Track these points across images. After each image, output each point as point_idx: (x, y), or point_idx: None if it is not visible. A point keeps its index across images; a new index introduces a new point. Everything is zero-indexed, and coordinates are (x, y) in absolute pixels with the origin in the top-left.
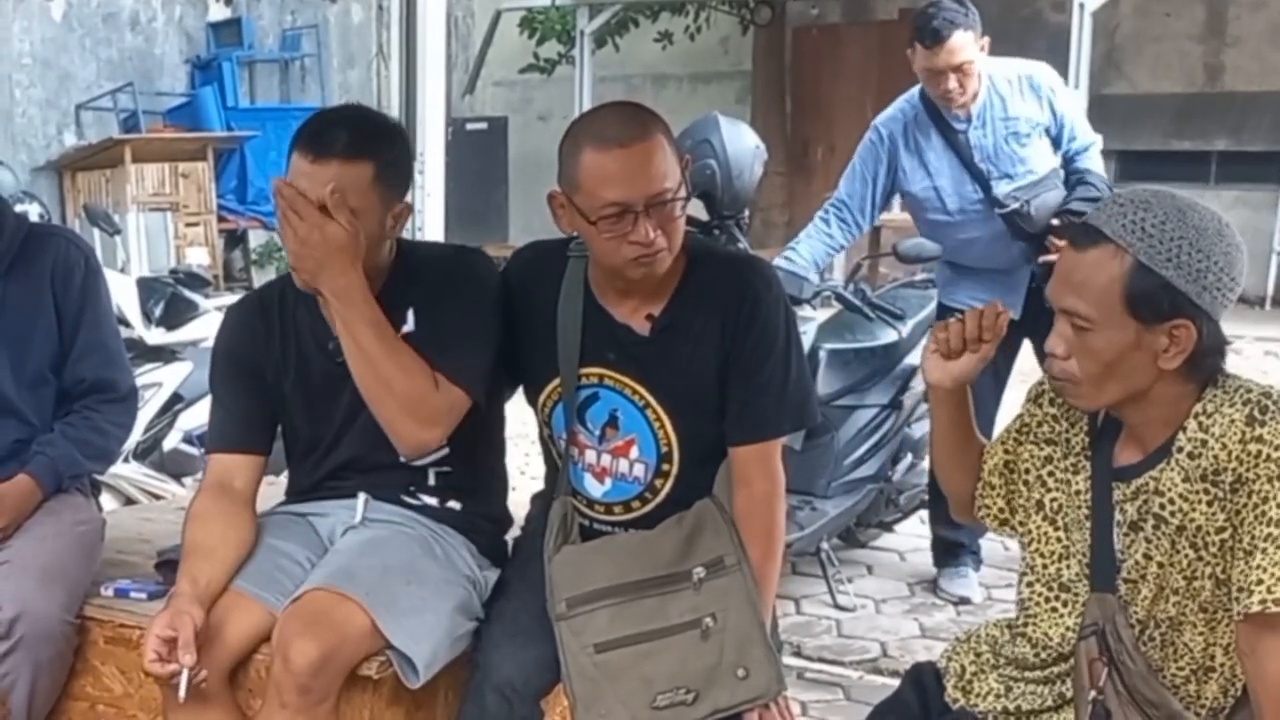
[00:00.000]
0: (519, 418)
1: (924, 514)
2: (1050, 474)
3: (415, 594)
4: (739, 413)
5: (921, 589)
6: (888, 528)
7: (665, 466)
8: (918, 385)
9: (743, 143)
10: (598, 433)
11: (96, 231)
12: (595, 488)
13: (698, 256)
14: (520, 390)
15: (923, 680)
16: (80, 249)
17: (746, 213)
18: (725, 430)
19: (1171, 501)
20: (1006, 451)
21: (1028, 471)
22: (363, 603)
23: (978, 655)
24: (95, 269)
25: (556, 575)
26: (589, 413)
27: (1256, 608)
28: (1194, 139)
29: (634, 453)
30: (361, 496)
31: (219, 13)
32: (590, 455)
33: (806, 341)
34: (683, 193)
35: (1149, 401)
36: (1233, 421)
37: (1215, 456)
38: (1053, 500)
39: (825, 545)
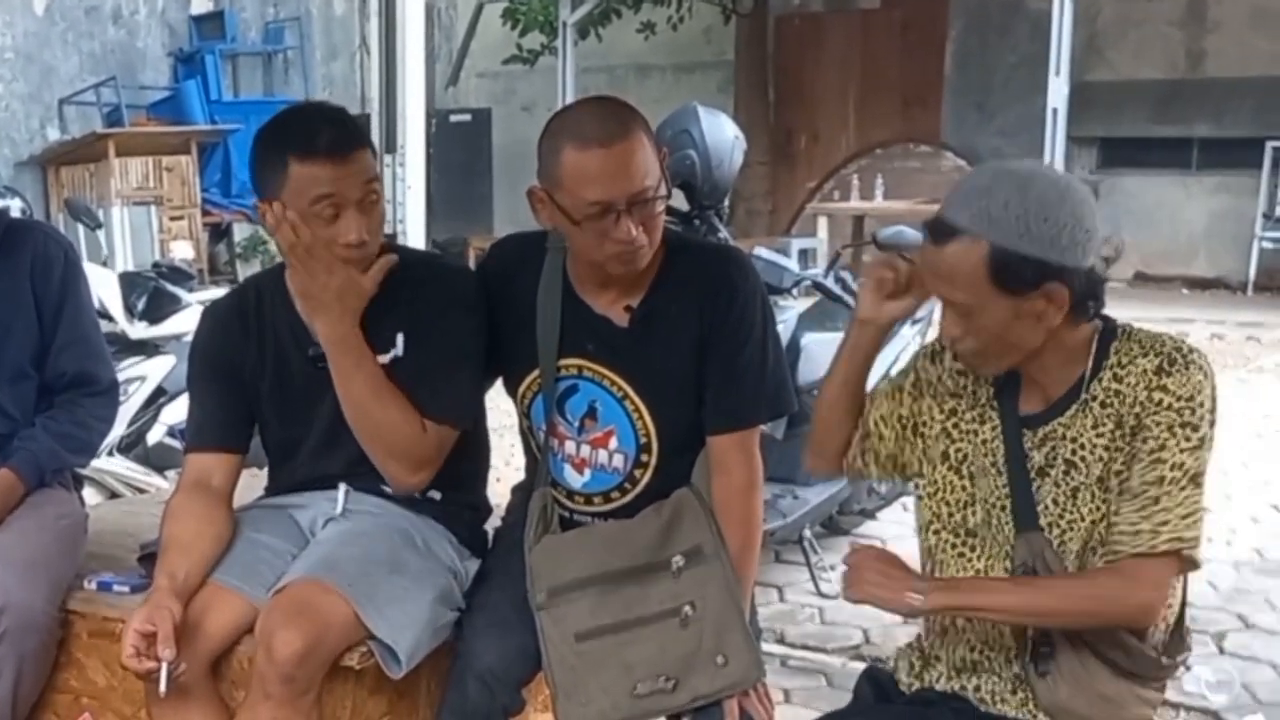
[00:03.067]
0: (505, 409)
1: (906, 501)
2: (955, 425)
3: (397, 584)
4: (716, 402)
5: None
6: (870, 515)
7: (644, 457)
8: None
9: (722, 133)
10: (577, 424)
11: (80, 226)
12: (575, 478)
13: (675, 248)
14: (500, 381)
15: (877, 678)
16: (59, 243)
17: (727, 202)
18: (703, 419)
19: (1082, 447)
20: (900, 404)
21: (928, 425)
22: (345, 594)
23: (923, 652)
24: (74, 262)
25: (537, 565)
26: (568, 404)
27: (1164, 547)
28: (1176, 125)
29: (613, 443)
30: (342, 488)
31: (201, 6)
32: (570, 446)
33: (787, 331)
34: (663, 190)
35: (1046, 352)
36: (1144, 371)
37: (1124, 403)
38: (958, 451)
39: (808, 533)
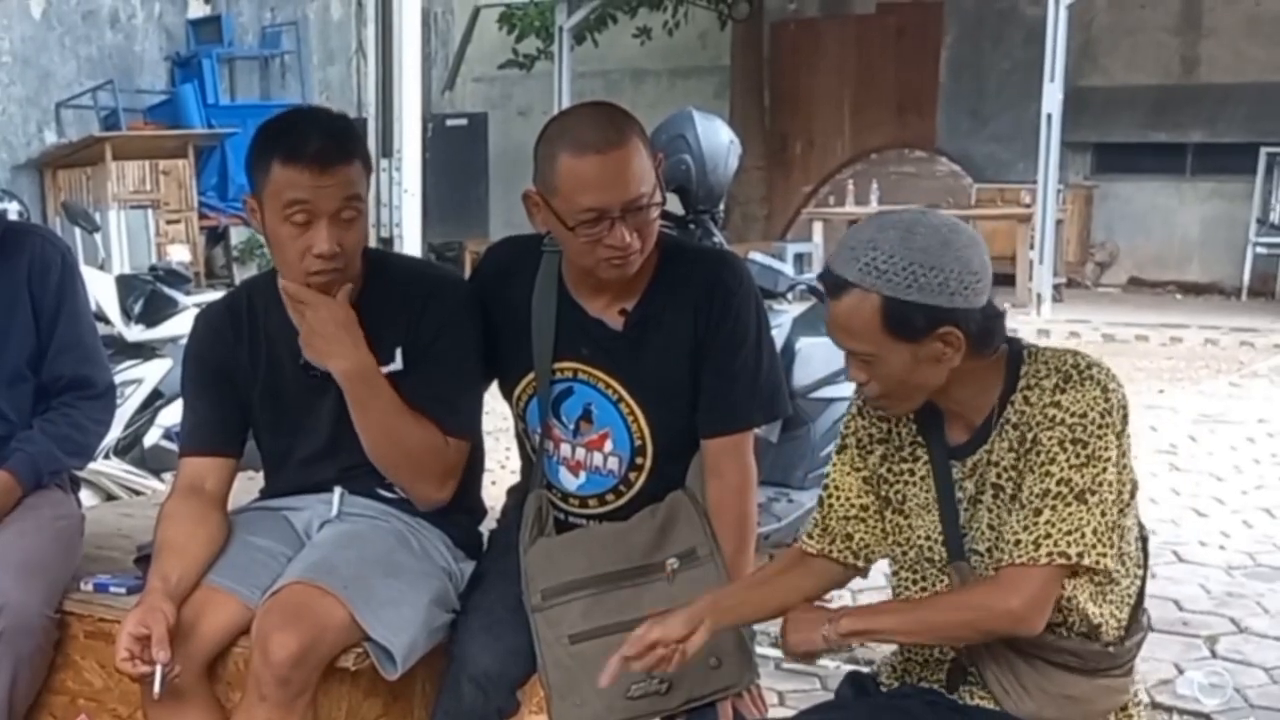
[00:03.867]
0: (501, 412)
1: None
2: (889, 470)
3: (393, 586)
4: (710, 404)
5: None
6: None
7: (639, 460)
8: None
9: (717, 138)
10: (572, 426)
11: (76, 229)
12: (570, 481)
13: (670, 252)
14: (495, 384)
15: (858, 680)
16: (56, 246)
17: (722, 207)
18: (697, 422)
19: (1004, 470)
20: (859, 469)
21: (874, 473)
22: (340, 596)
23: (906, 658)
24: (71, 266)
25: (532, 567)
26: (563, 407)
27: (1044, 560)
28: (1170, 131)
29: (608, 446)
30: (337, 490)
31: (199, 10)
32: (565, 449)
33: (782, 334)
34: (658, 196)
35: (956, 386)
36: (1044, 390)
37: (1027, 422)
38: (896, 493)
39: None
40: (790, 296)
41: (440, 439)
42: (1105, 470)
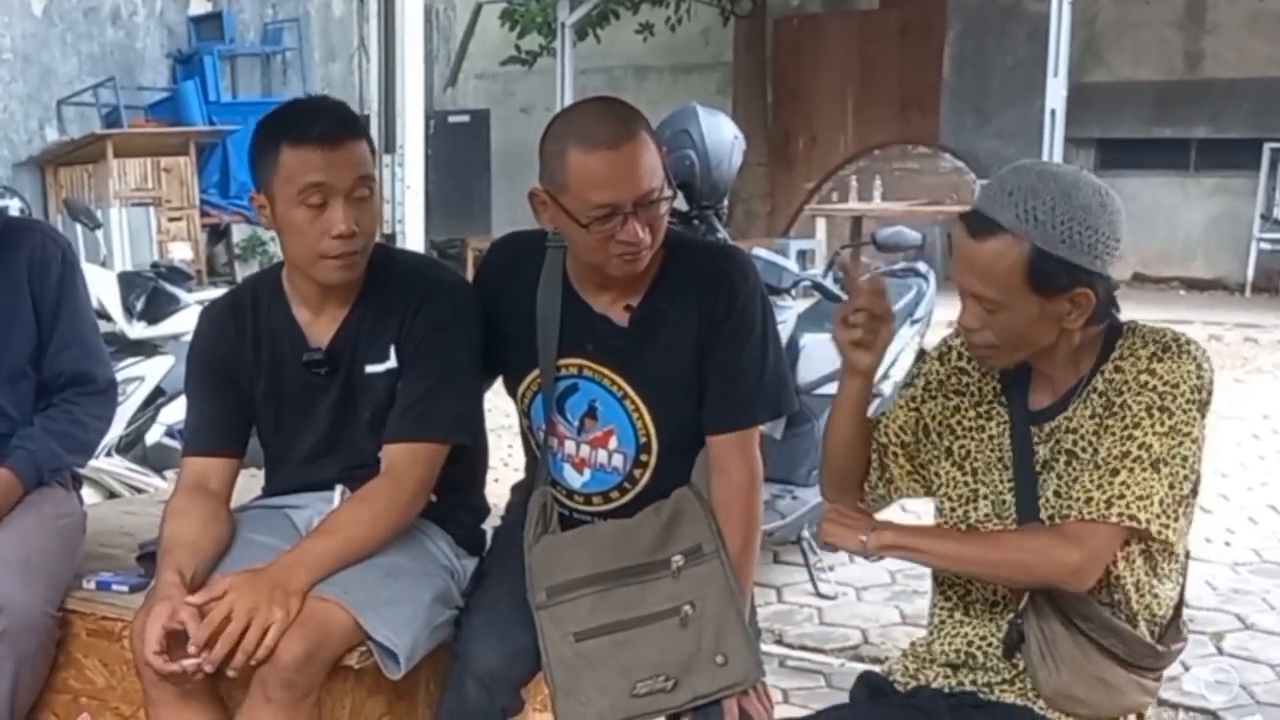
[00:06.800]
0: (504, 409)
1: (905, 501)
2: (959, 423)
3: (393, 586)
4: (716, 401)
5: (902, 576)
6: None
7: (644, 457)
8: (896, 373)
9: (721, 133)
10: (577, 423)
11: (78, 227)
12: (574, 478)
13: (676, 248)
14: (499, 381)
15: (872, 681)
16: (57, 242)
17: (726, 203)
18: (703, 419)
19: (1081, 437)
20: (909, 412)
21: (936, 422)
22: (341, 601)
23: (918, 655)
24: (72, 262)
25: (536, 564)
26: (568, 403)
27: (1114, 519)
28: (1174, 126)
29: (613, 443)
30: (338, 489)
31: (200, 6)
32: (569, 446)
33: (786, 330)
34: (668, 191)
35: (1056, 350)
36: (1140, 357)
37: (1115, 388)
38: (960, 447)
39: (806, 533)
40: (794, 293)
41: (390, 516)
42: (1182, 444)
